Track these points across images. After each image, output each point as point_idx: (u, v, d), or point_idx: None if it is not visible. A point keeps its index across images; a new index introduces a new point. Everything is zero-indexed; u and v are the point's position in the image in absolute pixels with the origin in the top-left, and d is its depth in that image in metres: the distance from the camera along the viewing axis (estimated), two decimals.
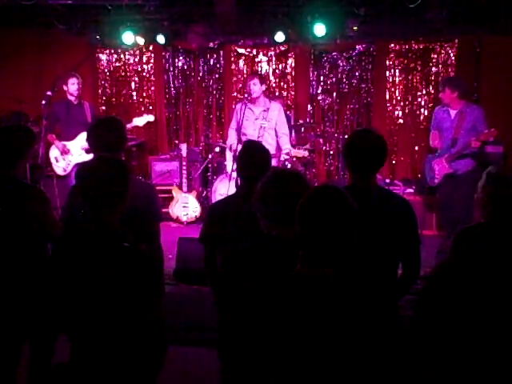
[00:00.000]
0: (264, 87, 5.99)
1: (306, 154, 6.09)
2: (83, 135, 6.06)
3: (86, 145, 6.08)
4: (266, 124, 5.93)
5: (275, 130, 5.99)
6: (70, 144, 6.24)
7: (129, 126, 6.16)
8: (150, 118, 6.56)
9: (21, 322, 2.91)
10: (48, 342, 3.00)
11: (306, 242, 1.68)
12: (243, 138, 5.86)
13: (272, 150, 5.93)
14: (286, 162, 6.15)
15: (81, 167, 2.31)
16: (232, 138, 6.10)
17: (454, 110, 5.46)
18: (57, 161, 6.28)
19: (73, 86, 6.21)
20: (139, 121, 6.42)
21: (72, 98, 6.26)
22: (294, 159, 6.47)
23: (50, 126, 6.20)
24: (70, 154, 6.22)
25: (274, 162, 5.54)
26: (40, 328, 2.94)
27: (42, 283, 2.87)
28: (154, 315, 2.09)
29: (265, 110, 5.95)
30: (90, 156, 5.92)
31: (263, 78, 6.24)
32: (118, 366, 2.06)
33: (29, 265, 2.92)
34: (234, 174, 5.63)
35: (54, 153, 6.31)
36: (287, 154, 5.87)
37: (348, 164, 2.66)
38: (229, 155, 6.25)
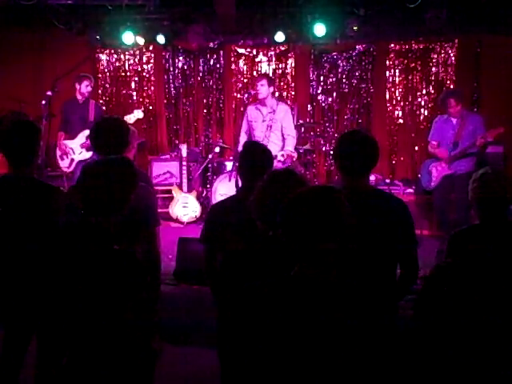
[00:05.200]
0: (271, 89, 6.02)
1: (295, 155, 6.07)
2: (84, 133, 6.23)
3: (85, 142, 6.22)
4: (273, 125, 5.95)
5: (282, 132, 6.01)
6: (71, 143, 6.39)
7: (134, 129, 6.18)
8: (140, 114, 6.59)
9: (27, 320, 2.91)
10: (56, 341, 3.00)
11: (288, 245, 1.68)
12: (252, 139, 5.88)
13: (277, 151, 5.94)
14: (286, 163, 6.15)
15: (84, 168, 2.27)
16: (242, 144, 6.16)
17: (455, 118, 5.57)
18: (61, 159, 6.49)
19: (87, 87, 6.41)
20: (129, 119, 6.39)
21: (80, 98, 6.42)
22: (294, 159, 6.47)
23: (61, 124, 6.49)
24: (72, 153, 6.39)
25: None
26: (47, 328, 2.94)
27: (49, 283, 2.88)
28: (141, 319, 2.06)
29: (271, 112, 5.98)
30: (90, 154, 6.05)
31: (271, 80, 6.25)
32: (105, 368, 2.04)
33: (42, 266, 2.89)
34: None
35: (58, 151, 6.54)
36: (282, 155, 5.85)
37: (339, 167, 2.64)
38: None
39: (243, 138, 6.18)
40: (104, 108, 8.01)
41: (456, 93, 5.72)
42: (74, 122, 6.43)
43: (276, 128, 5.99)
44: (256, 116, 6.08)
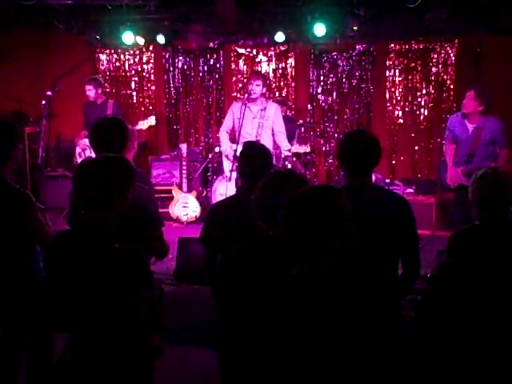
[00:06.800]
0: (265, 89, 6.05)
1: (308, 149, 6.11)
2: None
3: None
4: (264, 122, 5.98)
5: (272, 129, 6.05)
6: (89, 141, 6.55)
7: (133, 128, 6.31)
8: (152, 121, 6.67)
9: (17, 321, 2.90)
10: (45, 340, 3.00)
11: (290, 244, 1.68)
12: (241, 138, 5.87)
13: (269, 148, 5.95)
14: (286, 163, 6.16)
15: (80, 166, 2.26)
16: (225, 143, 6.14)
17: (472, 124, 5.09)
18: (80, 156, 6.75)
19: (90, 91, 6.70)
20: (142, 124, 6.52)
21: (94, 98, 6.74)
22: (294, 159, 6.48)
23: (84, 124, 6.85)
24: (90, 151, 6.53)
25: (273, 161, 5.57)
26: (37, 326, 2.93)
27: (32, 285, 2.85)
28: (141, 315, 2.06)
29: (262, 109, 6.01)
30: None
31: (266, 80, 6.29)
32: (104, 364, 2.05)
33: (15, 268, 2.84)
34: (234, 175, 5.69)
35: (78, 149, 6.81)
36: (289, 150, 5.91)
37: (342, 165, 2.67)
38: (225, 162, 6.26)
39: (225, 141, 6.15)
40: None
41: (483, 91, 5.03)
42: (92, 122, 6.53)
43: (267, 126, 6.03)
44: (246, 114, 6.02)
